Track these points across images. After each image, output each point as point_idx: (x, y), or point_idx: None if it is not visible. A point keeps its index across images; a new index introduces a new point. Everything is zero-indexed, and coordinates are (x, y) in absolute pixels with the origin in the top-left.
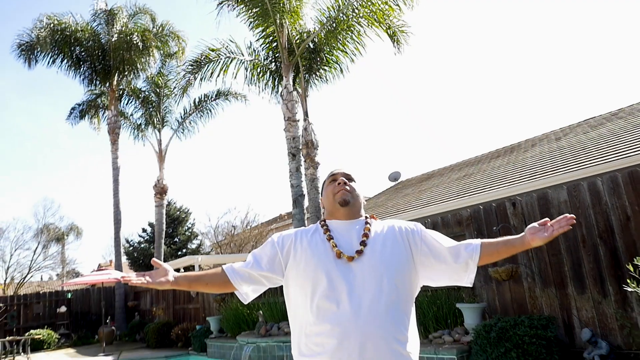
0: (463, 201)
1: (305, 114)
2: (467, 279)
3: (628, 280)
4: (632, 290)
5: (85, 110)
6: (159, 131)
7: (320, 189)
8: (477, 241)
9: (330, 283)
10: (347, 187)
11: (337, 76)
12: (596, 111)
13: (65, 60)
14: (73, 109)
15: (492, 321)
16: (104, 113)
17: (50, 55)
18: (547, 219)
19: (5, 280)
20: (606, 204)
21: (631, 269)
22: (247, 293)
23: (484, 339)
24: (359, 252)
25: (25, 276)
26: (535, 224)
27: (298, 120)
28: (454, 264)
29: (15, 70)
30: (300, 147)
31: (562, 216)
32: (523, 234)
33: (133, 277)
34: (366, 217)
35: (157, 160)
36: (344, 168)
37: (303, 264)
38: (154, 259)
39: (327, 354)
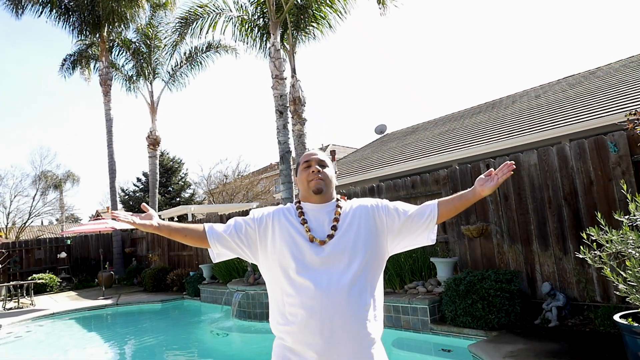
0: (444, 157)
1: (293, 70)
2: (428, 238)
3: (581, 247)
4: (583, 257)
5: (76, 61)
6: (151, 83)
7: (303, 149)
8: (434, 201)
9: (303, 261)
10: (321, 176)
11: (326, 33)
12: (576, 68)
13: (54, 10)
14: (65, 60)
15: (461, 275)
16: (95, 64)
17: (38, 4)
18: (491, 169)
19: (7, 225)
20: (572, 168)
21: (585, 236)
22: (219, 254)
23: (454, 291)
24: (330, 237)
25: (26, 221)
26: (482, 176)
27: (285, 78)
28: (416, 226)
29: (3, 20)
30: (288, 105)
31: (503, 164)
32: (474, 186)
33: (121, 215)
34: (337, 200)
35: (149, 112)
36: (318, 153)
37: (279, 242)
38: (144, 203)
39: (301, 323)
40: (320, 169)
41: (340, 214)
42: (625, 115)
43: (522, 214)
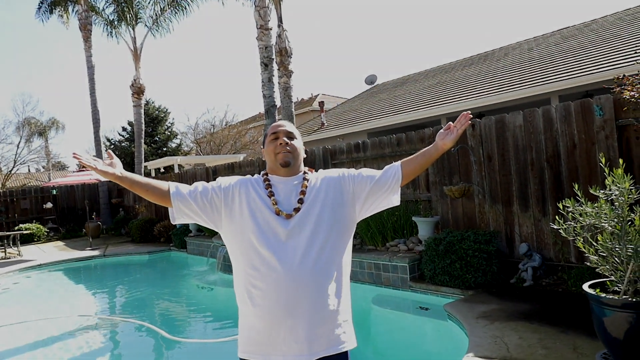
0: (433, 111)
1: (280, 19)
2: (392, 200)
3: (556, 217)
4: (558, 228)
5: (54, 3)
6: (133, 28)
7: (290, 98)
8: (398, 163)
9: (269, 234)
10: (289, 148)
11: None
12: (572, 20)
13: None
14: (41, 2)
15: (441, 235)
16: (73, 7)
17: None
18: (450, 122)
19: None
20: (557, 130)
21: (560, 206)
22: (179, 216)
23: (433, 250)
24: (297, 210)
25: (11, 169)
26: (441, 130)
27: (271, 29)
28: (383, 189)
29: None
30: (273, 56)
31: (460, 115)
32: (435, 142)
33: (83, 158)
34: (305, 173)
35: (133, 59)
36: (286, 125)
37: (246, 214)
38: (109, 150)
39: (265, 296)
40: (288, 141)
41: (307, 187)
42: (613, 79)
43: (504, 175)
